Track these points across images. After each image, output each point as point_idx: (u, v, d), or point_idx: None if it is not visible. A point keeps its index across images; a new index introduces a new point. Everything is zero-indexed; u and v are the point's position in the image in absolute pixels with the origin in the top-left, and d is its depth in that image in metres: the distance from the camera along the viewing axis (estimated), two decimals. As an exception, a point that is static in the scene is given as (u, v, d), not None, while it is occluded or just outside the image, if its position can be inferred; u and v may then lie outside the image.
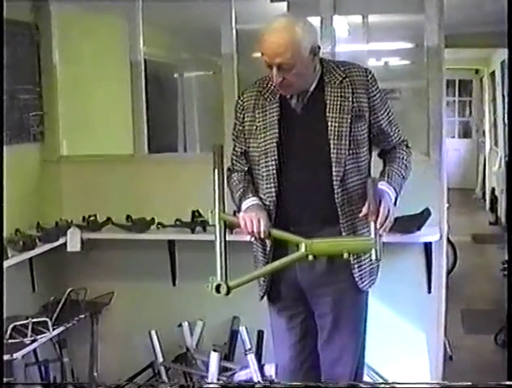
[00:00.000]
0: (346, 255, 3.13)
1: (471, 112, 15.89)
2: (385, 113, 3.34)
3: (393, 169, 3.34)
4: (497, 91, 11.96)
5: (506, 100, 10.53)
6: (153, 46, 6.27)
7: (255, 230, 3.19)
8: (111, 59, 6.03)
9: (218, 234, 3.25)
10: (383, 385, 3.99)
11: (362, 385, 3.33)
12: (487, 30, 7.04)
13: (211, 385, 4.47)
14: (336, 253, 3.17)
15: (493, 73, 12.63)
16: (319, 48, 3.24)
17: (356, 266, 3.30)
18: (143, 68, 5.23)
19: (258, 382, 4.64)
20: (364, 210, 3.12)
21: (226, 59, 5.05)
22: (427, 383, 2.75)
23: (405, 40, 7.30)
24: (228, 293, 3.18)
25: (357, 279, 3.31)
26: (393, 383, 4.35)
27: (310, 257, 3.15)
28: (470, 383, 2.38)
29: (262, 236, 3.22)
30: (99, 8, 5.57)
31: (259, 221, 3.19)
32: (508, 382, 2.94)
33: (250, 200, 3.32)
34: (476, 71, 15.04)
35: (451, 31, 5.12)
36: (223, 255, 3.22)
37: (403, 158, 3.40)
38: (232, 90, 5.02)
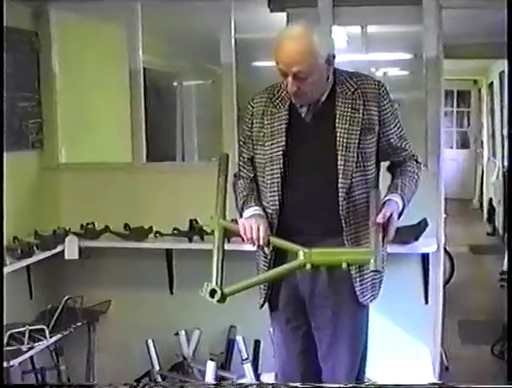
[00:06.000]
0: (344, 266, 3.08)
1: (469, 123, 15.89)
2: (395, 127, 3.31)
3: (405, 182, 3.29)
4: (495, 102, 11.97)
5: (505, 110, 10.55)
6: (153, 55, 6.28)
7: (254, 237, 3.18)
8: (110, 67, 6.04)
9: (216, 240, 3.26)
10: (373, 386, 3.99)
11: (351, 385, 3.31)
12: (485, 41, 7.05)
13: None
14: (334, 263, 3.13)
15: (491, 84, 12.64)
16: (334, 57, 3.22)
17: (358, 279, 3.27)
18: (142, 76, 5.25)
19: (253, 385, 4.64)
20: (372, 223, 3.09)
21: (225, 68, 5.07)
22: (420, 385, 2.74)
23: (405, 50, 7.30)
24: (222, 299, 3.16)
25: (358, 293, 3.28)
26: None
27: (308, 266, 3.12)
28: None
29: (260, 243, 3.20)
30: (99, 16, 5.59)
31: (258, 228, 3.18)
32: (507, 386, 2.95)
33: (252, 210, 3.31)
34: (475, 82, 15.05)
35: (449, 42, 5.14)
36: (220, 260, 3.23)
37: (414, 172, 3.36)
38: (232, 100, 5.04)
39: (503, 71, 10.34)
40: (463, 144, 15.94)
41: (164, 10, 5.38)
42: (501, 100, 11.11)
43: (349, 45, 6.20)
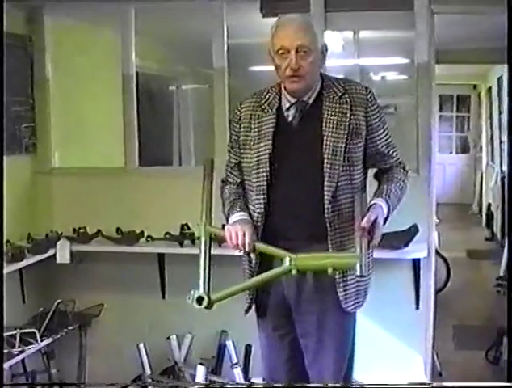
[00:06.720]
0: (330, 271, 3.07)
1: (469, 127, 15.88)
2: (383, 134, 3.30)
3: (391, 188, 3.28)
4: (494, 107, 11.97)
5: (503, 116, 10.55)
6: (148, 59, 6.28)
7: (240, 243, 3.17)
8: (103, 72, 6.04)
9: (203, 247, 3.26)
10: (366, 386, 3.99)
11: (339, 384, 3.31)
12: (483, 46, 7.07)
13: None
14: (320, 268, 3.12)
15: (490, 89, 12.64)
16: (326, 49, 3.27)
17: (341, 285, 3.25)
18: (135, 80, 5.26)
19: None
20: (357, 226, 3.08)
21: (218, 73, 5.07)
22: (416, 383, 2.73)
23: (401, 55, 7.30)
24: (209, 305, 3.15)
25: (341, 299, 3.26)
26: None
27: (294, 271, 3.10)
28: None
29: (246, 249, 3.20)
30: (93, 21, 5.60)
31: (244, 234, 3.17)
32: (507, 383, 2.94)
33: (238, 215, 3.30)
34: (474, 86, 15.05)
35: (446, 48, 5.14)
36: (207, 267, 3.21)
37: (401, 179, 3.34)
38: (223, 105, 5.05)
39: (501, 76, 10.35)
40: (463, 149, 15.92)
41: (158, 14, 5.39)
42: (500, 105, 11.12)
43: (345, 50, 6.21)
